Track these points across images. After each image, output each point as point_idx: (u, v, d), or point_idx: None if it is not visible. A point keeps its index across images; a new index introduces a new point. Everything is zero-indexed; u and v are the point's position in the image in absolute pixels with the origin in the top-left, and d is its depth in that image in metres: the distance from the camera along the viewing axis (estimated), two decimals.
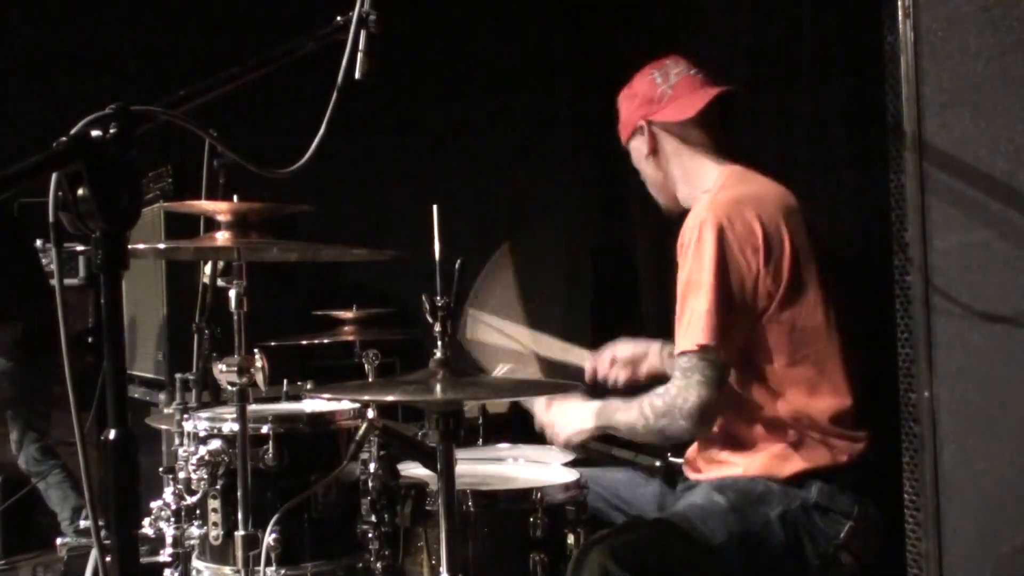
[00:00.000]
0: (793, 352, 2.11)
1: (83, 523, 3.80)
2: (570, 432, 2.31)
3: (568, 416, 2.31)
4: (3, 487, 4.30)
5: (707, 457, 2.23)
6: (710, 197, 2.18)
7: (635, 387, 2.52)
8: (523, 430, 2.78)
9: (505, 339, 2.59)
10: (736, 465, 2.15)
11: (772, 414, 2.12)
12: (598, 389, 2.56)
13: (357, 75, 1.55)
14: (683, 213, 2.29)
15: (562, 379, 2.50)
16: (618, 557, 1.88)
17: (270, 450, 2.29)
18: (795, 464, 2.09)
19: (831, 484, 2.07)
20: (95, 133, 1.18)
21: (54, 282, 1.30)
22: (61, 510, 4.13)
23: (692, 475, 2.28)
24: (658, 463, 2.52)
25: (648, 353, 2.55)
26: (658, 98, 2.29)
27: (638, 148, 2.35)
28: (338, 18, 1.58)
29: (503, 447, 2.80)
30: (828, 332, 2.13)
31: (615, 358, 2.57)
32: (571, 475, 2.22)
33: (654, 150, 2.32)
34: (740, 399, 2.14)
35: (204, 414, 2.49)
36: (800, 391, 2.11)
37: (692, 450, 2.32)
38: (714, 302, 2.04)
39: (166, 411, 3.17)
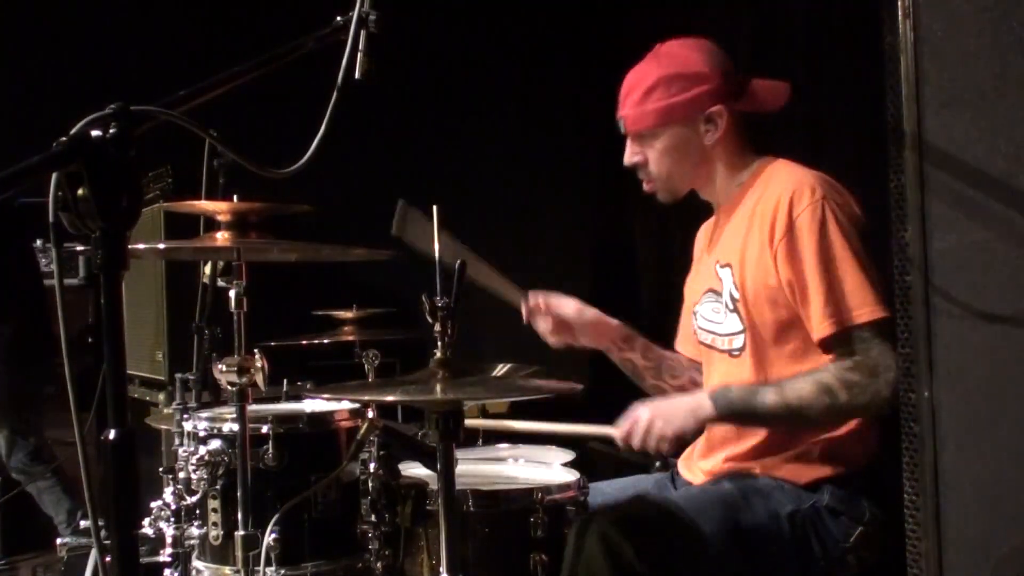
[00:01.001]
0: (810, 356, 2.05)
1: (83, 523, 3.80)
2: (678, 425, 2.04)
3: (672, 412, 2.06)
4: (2, 487, 4.30)
5: (710, 460, 2.21)
6: (800, 177, 2.06)
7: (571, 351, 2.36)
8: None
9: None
10: (744, 469, 2.12)
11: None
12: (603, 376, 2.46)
13: (357, 75, 1.55)
14: (678, 202, 2.25)
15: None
16: (621, 526, 1.86)
17: (270, 450, 2.29)
18: (810, 471, 2.05)
19: (843, 488, 2.04)
20: (95, 133, 1.18)
21: (53, 282, 1.31)
22: (56, 513, 4.12)
23: (692, 478, 2.26)
24: (658, 463, 2.52)
25: (602, 326, 2.33)
26: (737, 82, 2.14)
27: (686, 137, 2.15)
28: (338, 18, 1.58)
29: (503, 447, 2.80)
30: None
31: (548, 307, 2.32)
32: (571, 475, 2.22)
33: (720, 139, 2.14)
34: None
35: (204, 414, 2.49)
36: None
37: (690, 452, 2.30)
38: (866, 276, 1.96)
39: (166, 411, 3.18)
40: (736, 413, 2.04)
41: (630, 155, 2.23)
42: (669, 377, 2.39)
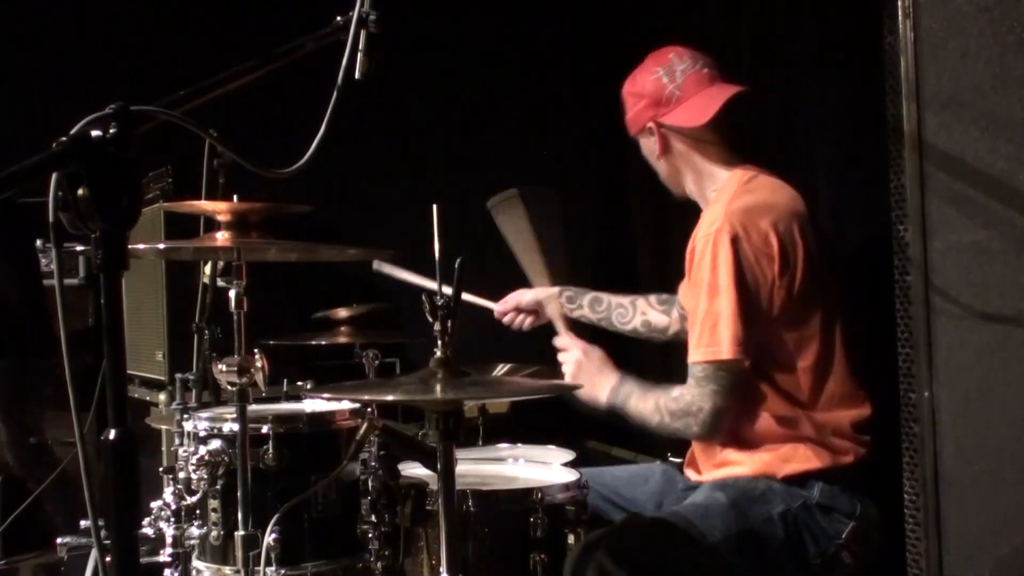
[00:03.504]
0: (802, 356, 2.11)
1: (83, 523, 3.80)
2: (588, 396, 2.34)
3: (591, 380, 2.34)
4: (3, 487, 4.29)
5: (709, 457, 2.23)
6: (724, 205, 2.16)
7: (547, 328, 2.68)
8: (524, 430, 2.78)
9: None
10: (738, 465, 2.15)
11: (777, 416, 2.12)
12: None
13: (357, 75, 1.55)
14: (690, 200, 2.34)
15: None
16: (616, 555, 1.88)
17: (270, 450, 2.29)
18: (797, 464, 2.09)
19: (833, 484, 2.08)
20: (95, 133, 1.18)
21: (53, 282, 1.30)
22: (56, 512, 4.13)
23: (694, 477, 2.28)
24: (658, 463, 2.52)
25: (548, 299, 2.69)
26: (666, 99, 2.27)
27: (648, 146, 2.36)
28: (338, 18, 1.58)
29: (503, 447, 2.80)
30: (837, 335, 2.13)
31: (519, 304, 2.73)
32: (571, 475, 2.22)
33: (665, 149, 2.31)
34: (748, 401, 2.14)
35: (204, 414, 2.49)
36: (806, 394, 2.12)
37: (693, 451, 2.31)
38: (733, 313, 2.04)
39: (166, 411, 3.18)
40: (618, 408, 2.27)
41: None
42: (619, 324, 2.69)
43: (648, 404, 2.20)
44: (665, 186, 2.41)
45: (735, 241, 2.06)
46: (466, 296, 2.56)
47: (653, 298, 2.67)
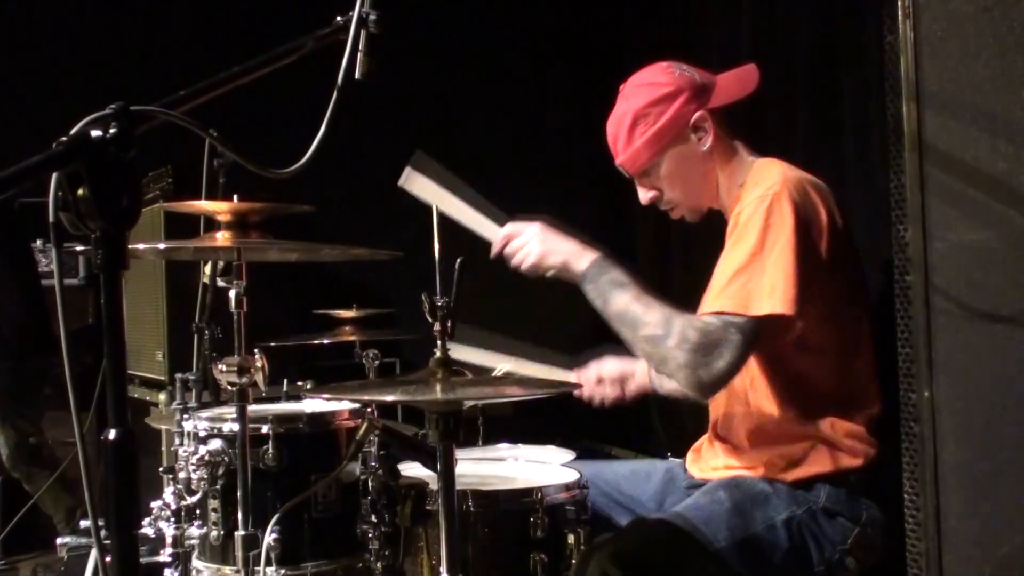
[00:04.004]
0: (833, 346, 2.06)
1: (83, 523, 3.81)
2: (550, 256, 2.11)
3: (562, 247, 2.12)
4: (3, 487, 4.30)
5: (714, 456, 2.22)
6: (779, 173, 2.06)
7: (621, 406, 2.46)
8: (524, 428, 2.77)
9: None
10: (744, 468, 2.13)
11: (787, 417, 2.09)
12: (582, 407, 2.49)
13: (357, 75, 1.55)
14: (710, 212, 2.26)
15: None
16: (620, 561, 1.87)
17: (270, 450, 2.29)
18: (806, 468, 2.06)
19: (840, 488, 2.05)
20: (95, 133, 1.18)
21: (53, 282, 1.30)
22: (55, 512, 4.13)
23: (699, 474, 2.26)
24: (659, 463, 2.52)
25: (635, 371, 2.44)
26: (701, 86, 2.16)
27: (686, 152, 2.18)
28: (338, 18, 1.58)
29: (503, 447, 2.80)
30: (866, 328, 2.08)
31: (602, 377, 2.46)
32: (571, 475, 2.22)
33: (715, 141, 2.16)
34: (753, 399, 2.12)
35: (204, 414, 2.49)
36: (822, 393, 2.07)
37: (696, 447, 2.31)
38: (794, 270, 1.91)
39: (166, 411, 3.18)
40: (596, 289, 2.05)
41: (643, 195, 2.28)
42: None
43: (652, 312, 1.97)
44: (686, 205, 2.26)
45: (795, 205, 1.96)
46: (537, 373, 2.40)
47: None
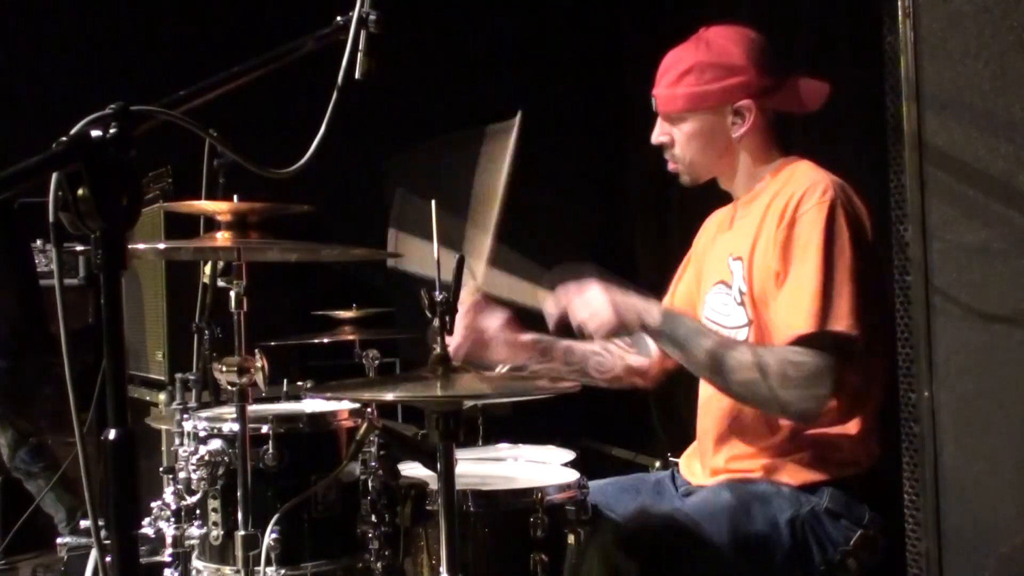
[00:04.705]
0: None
1: (83, 523, 3.81)
2: (624, 314, 2.03)
3: (628, 303, 2.04)
4: (3, 487, 4.30)
5: (714, 460, 2.21)
6: (824, 176, 2.05)
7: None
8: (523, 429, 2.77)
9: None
10: (747, 471, 2.11)
11: (787, 423, 2.07)
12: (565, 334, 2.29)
13: (357, 75, 1.55)
14: (698, 186, 2.24)
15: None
16: (623, 544, 1.86)
17: (270, 450, 2.28)
18: (809, 474, 2.05)
19: (843, 491, 2.04)
20: (95, 133, 1.18)
21: (53, 282, 1.30)
22: (56, 511, 4.13)
23: (694, 480, 2.26)
24: (658, 463, 2.52)
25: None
26: (772, 79, 2.13)
27: (713, 126, 2.16)
28: (338, 18, 1.58)
29: (503, 447, 2.80)
30: (875, 336, 2.03)
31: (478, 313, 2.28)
32: (571, 475, 2.21)
33: (745, 134, 2.15)
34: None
35: (204, 414, 2.48)
36: (846, 394, 2.03)
37: (691, 455, 2.30)
38: (853, 287, 1.92)
39: (166, 411, 3.18)
40: (674, 340, 2.03)
41: (658, 134, 2.25)
42: (597, 374, 2.37)
43: (742, 355, 1.95)
44: (690, 172, 2.23)
45: (848, 215, 1.96)
46: (509, 294, 2.25)
47: (620, 342, 2.39)
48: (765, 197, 2.13)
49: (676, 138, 2.21)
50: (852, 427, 2.07)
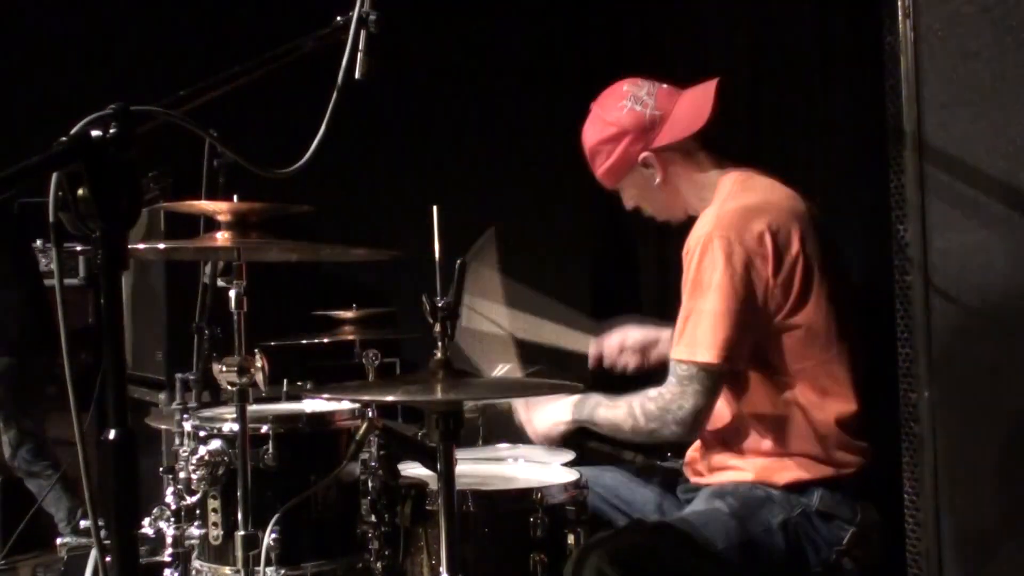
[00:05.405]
0: (801, 358, 2.08)
1: (83, 523, 3.81)
2: (545, 426, 2.30)
3: (544, 411, 2.31)
4: (3, 487, 4.30)
5: (709, 461, 2.22)
6: (717, 207, 2.14)
7: (644, 373, 2.49)
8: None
9: (491, 325, 2.53)
10: (738, 470, 2.13)
11: (778, 420, 2.10)
12: (603, 375, 2.54)
13: (357, 75, 1.55)
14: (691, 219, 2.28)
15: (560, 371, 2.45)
16: (617, 561, 1.87)
17: (270, 450, 2.29)
18: (798, 472, 2.07)
19: (834, 491, 2.05)
20: (95, 133, 1.18)
21: (53, 282, 1.31)
22: (56, 511, 4.13)
23: (693, 478, 2.27)
24: (658, 463, 2.52)
25: (659, 340, 2.49)
26: (650, 123, 2.22)
27: (643, 182, 2.29)
28: (338, 18, 1.58)
29: (503, 447, 2.79)
30: (837, 337, 2.10)
31: (624, 344, 2.53)
32: (571, 475, 2.22)
33: (666, 174, 2.25)
34: (747, 404, 2.13)
35: (204, 414, 2.49)
36: (807, 397, 2.09)
37: (694, 452, 2.31)
38: (721, 315, 2.01)
39: (166, 411, 3.18)
40: (588, 423, 2.24)
41: (626, 202, 2.40)
42: None
43: (619, 410, 2.15)
44: (663, 218, 2.38)
45: (728, 245, 2.03)
46: (554, 340, 2.53)
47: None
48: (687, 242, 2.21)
49: (633, 200, 2.37)
50: (839, 428, 2.08)
